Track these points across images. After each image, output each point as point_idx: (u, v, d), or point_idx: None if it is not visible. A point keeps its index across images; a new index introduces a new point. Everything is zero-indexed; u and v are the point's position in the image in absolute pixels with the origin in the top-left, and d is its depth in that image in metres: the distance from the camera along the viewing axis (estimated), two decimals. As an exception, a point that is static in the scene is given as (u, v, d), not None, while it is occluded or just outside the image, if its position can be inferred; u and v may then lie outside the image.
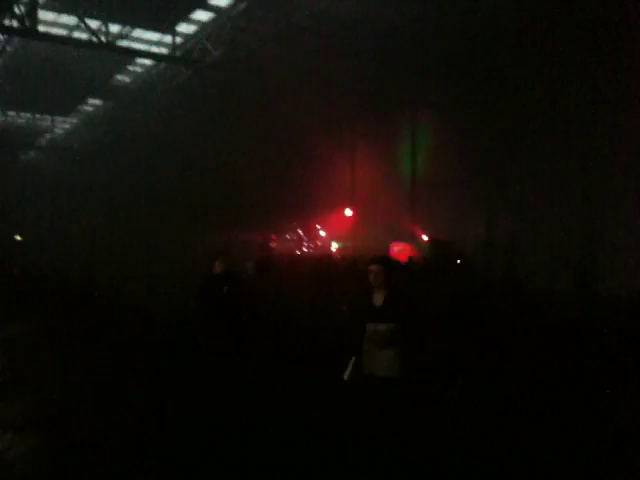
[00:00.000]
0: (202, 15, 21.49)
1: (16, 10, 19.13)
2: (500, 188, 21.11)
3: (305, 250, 26.16)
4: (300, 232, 27.02)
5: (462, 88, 20.66)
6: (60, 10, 20.48)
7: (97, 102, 31.57)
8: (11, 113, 32.93)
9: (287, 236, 27.36)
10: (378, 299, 5.57)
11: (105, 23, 20.30)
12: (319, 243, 26.68)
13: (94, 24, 20.40)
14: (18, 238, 33.04)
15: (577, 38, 17.47)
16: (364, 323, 5.53)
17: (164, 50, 23.61)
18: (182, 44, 22.95)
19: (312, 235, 26.92)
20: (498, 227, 20.95)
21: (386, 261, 5.78)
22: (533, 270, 17.04)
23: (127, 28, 21.47)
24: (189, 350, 8.74)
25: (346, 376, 5.58)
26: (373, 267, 5.56)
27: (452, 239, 20.26)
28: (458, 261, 18.26)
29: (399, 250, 22.38)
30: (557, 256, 18.00)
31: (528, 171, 19.86)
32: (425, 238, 22.76)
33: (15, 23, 19.46)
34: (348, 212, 26.14)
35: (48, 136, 37.89)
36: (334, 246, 25.86)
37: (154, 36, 22.83)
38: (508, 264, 17.81)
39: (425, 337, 5.53)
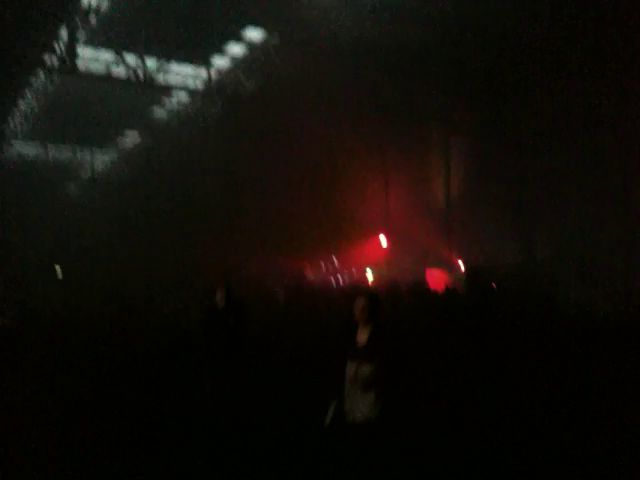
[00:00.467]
0: (237, 49, 21.91)
1: (56, 48, 19.75)
2: (539, 211, 20.85)
3: (339, 279, 26.09)
4: (335, 260, 26.99)
5: (497, 110, 20.61)
6: (98, 45, 21.03)
7: (134, 135, 32.22)
8: (51, 146, 33.74)
9: (321, 264, 27.34)
10: (362, 336, 5.09)
11: (142, 58, 20.83)
12: (354, 271, 26.59)
13: (131, 57, 20.93)
14: (58, 271, 33.50)
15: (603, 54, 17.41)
16: (346, 362, 5.07)
17: (199, 83, 24.10)
18: (217, 77, 23.39)
19: (347, 263, 26.86)
20: (538, 251, 20.64)
21: (372, 295, 5.30)
22: (573, 296, 16.75)
23: (163, 61, 21.89)
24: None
25: (327, 421, 5.09)
26: (358, 301, 5.09)
27: (488, 265, 20.05)
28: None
29: (435, 277, 22.21)
30: (598, 281, 17.69)
31: (571, 189, 19.56)
32: (461, 264, 22.56)
33: (55, 61, 20.10)
34: (383, 239, 26.06)
35: (87, 169, 38.67)
36: (369, 274, 25.77)
37: (190, 70, 23.32)
38: (546, 290, 17.52)
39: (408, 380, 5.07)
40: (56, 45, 19.74)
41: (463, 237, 23.07)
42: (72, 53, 19.70)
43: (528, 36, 17.03)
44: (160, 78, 22.49)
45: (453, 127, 23.92)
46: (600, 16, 16.28)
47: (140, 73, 21.12)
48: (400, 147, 24.83)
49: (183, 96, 26.63)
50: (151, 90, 23.63)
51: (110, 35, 19.79)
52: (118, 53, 20.75)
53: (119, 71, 21.56)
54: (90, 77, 21.32)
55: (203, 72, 23.32)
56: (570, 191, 19.47)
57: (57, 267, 32.33)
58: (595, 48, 17.37)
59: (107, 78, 21.62)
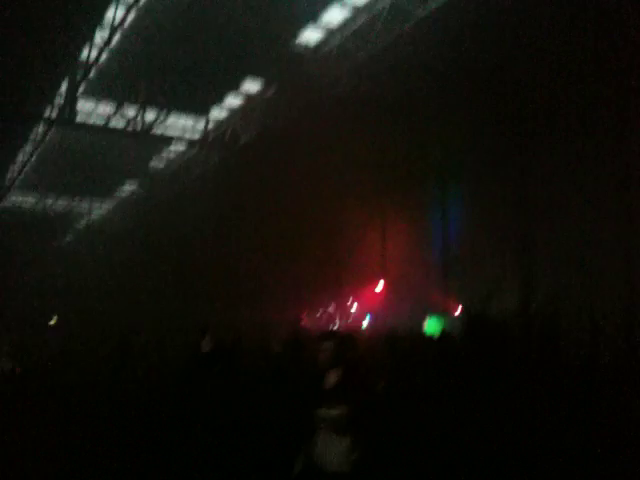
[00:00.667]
0: (233, 101, 22.28)
1: (56, 101, 20.08)
2: (537, 254, 20.86)
3: (337, 327, 25.97)
4: (332, 308, 26.92)
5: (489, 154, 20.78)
6: (98, 98, 21.37)
7: (132, 186, 32.51)
8: (50, 198, 33.98)
9: (318, 313, 27.24)
10: (330, 380, 4.79)
11: (141, 110, 21.16)
12: (350, 320, 26.49)
13: (130, 111, 21.27)
14: (53, 322, 33.42)
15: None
16: (314, 409, 4.74)
17: (196, 135, 24.46)
18: (214, 129, 23.75)
19: (344, 311, 26.78)
20: (539, 294, 20.53)
21: (338, 337, 5.03)
22: (576, 339, 16.67)
23: (162, 114, 22.23)
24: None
25: (296, 470, 4.80)
26: (323, 345, 4.85)
27: (486, 310, 20.00)
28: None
29: (432, 323, 22.14)
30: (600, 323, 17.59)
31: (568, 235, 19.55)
32: (459, 309, 22.51)
33: (55, 113, 20.40)
34: (380, 286, 26.04)
35: (85, 220, 38.91)
36: (366, 321, 25.68)
37: (187, 122, 23.69)
38: (546, 333, 17.40)
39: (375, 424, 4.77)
40: (56, 96, 20.07)
41: (462, 287, 23.04)
42: (72, 104, 19.99)
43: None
44: (158, 129, 22.82)
45: (451, 176, 24.10)
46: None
47: (138, 125, 21.42)
48: (398, 197, 24.99)
49: (181, 147, 26.98)
50: (149, 141, 23.94)
51: (109, 87, 20.13)
52: (117, 105, 21.09)
53: (117, 123, 21.91)
54: (89, 129, 21.59)
55: (201, 124, 23.70)
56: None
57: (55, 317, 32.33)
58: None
59: (105, 130, 21.92)
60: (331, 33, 19.11)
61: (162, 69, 19.01)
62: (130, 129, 21.27)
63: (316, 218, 25.26)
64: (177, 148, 27.18)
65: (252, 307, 25.97)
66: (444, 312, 22.68)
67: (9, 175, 28.86)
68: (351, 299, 26.20)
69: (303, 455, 4.77)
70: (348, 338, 5.24)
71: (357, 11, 18.23)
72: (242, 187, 25.15)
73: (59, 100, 20.09)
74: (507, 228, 21.52)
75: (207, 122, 23.33)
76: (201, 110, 22.66)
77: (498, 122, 19.22)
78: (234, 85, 21.06)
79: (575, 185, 18.72)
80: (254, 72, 20.16)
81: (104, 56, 18.91)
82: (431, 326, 22.12)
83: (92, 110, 22.09)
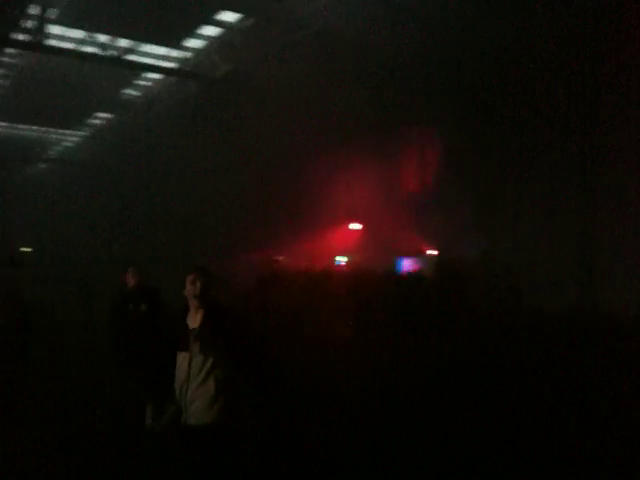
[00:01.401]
0: (210, 30, 21.62)
1: (26, 24, 19.36)
2: (503, 202, 21.06)
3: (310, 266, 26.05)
4: (306, 248, 26.92)
5: (462, 103, 20.64)
6: (69, 24, 20.66)
7: (106, 115, 31.80)
8: (21, 126, 33.20)
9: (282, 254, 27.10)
10: (195, 319, 4.22)
11: (113, 38, 20.52)
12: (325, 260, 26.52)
13: (103, 39, 20.62)
14: (25, 250, 33.17)
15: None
16: (175, 352, 4.19)
17: (172, 64, 23.83)
18: (190, 58, 23.13)
19: (320, 251, 26.81)
20: (501, 243, 20.83)
21: (206, 271, 4.41)
22: (534, 287, 17.01)
23: (136, 43, 21.56)
24: None
25: (150, 425, 4.22)
26: (190, 277, 4.24)
27: (455, 255, 20.22)
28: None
29: (407, 265, 22.37)
30: (557, 272, 17.95)
31: (531, 184, 19.80)
32: (432, 253, 22.69)
33: (25, 37, 19.71)
34: (354, 226, 26.08)
35: (57, 149, 38.19)
36: (339, 261, 25.79)
37: (162, 50, 23.01)
38: (507, 281, 17.72)
39: (255, 369, 4.15)
40: (26, 22, 19.38)
41: (433, 231, 23.20)
42: (42, 31, 19.33)
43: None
44: (132, 58, 22.17)
45: (430, 125, 23.92)
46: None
47: (112, 52, 20.80)
48: (374, 141, 24.76)
49: (154, 77, 26.33)
50: (122, 70, 23.30)
51: (82, 14, 19.42)
52: (89, 32, 20.40)
53: (90, 50, 21.27)
54: (59, 52, 20.92)
55: (176, 53, 23.05)
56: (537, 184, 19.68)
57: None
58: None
59: (77, 56, 21.27)
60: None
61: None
62: (103, 54, 20.68)
63: (290, 157, 25.04)
64: (151, 76, 26.48)
65: (222, 246, 25.93)
66: (418, 255, 22.93)
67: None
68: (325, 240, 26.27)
69: (156, 408, 4.22)
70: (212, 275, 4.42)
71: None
72: (215, 121, 24.72)
73: (29, 24, 19.40)
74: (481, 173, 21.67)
75: (183, 51, 22.69)
76: (177, 39, 21.96)
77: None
78: (210, 15, 20.37)
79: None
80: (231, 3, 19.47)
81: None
82: (402, 266, 22.43)
83: (63, 34, 21.35)
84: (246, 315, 4.57)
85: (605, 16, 16.36)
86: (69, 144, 37.21)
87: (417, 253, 23.10)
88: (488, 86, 19.37)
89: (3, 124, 32.64)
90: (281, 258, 26.13)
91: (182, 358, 4.14)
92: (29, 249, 33.49)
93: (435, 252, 22.71)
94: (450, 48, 17.96)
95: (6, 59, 23.53)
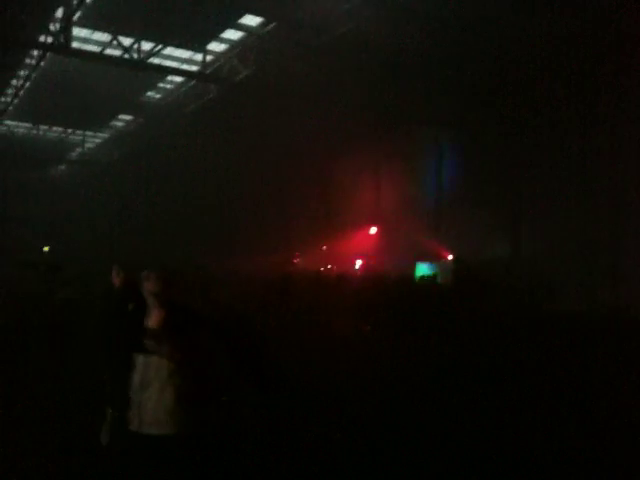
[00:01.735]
0: (232, 34, 21.81)
1: (51, 27, 19.61)
2: (526, 206, 21.03)
3: (328, 269, 26.16)
4: (324, 250, 27.01)
5: (484, 107, 20.67)
6: (94, 27, 20.93)
7: (127, 118, 32.11)
8: (43, 127, 33.58)
9: (300, 255, 27.19)
10: (154, 320, 3.87)
11: (137, 41, 20.74)
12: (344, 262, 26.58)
13: (127, 41, 20.85)
14: (45, 249, 33.52)
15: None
16: (132, 354, 3.83)
17: (194, 68, 24.04)
18: (212, 62, 23.32)
19: (338, 253, 26.90)
20: (526, 247, 20.78)
21: (167, 269, 4.03)
22: (556, 290, 16.98)
23: (159, 46, 21.77)
24: None
25: (104, 437, 3.84)
26: (149, 274, 3.89)
27: (476, 258, 20.20)
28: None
29: (424, 269, 22.41)
30: (579, 276, 17.91)
31: (553, 188, 19.78)
32: (450, 258, 22.68)
33: (49, 39, 19.95)
34: (372, 230, 26.16)
35: (79, 150, 38.56)
36: (358, 264, 25.85)
37: (185, 54, 23.25)
38: (529, 284, 17.71)
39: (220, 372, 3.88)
40: (52, 22, 19.61)
41: (453, 234, 23.19)
42: (68, 33, 19.55)
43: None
44: (155, 61, 22.37)
45: (447, 128, 23.95)
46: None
47: (135, 55, 21.01)
48: (395, 144, 24.82)
49: (177, 79, 26.55)
50: (145, 73, 23.52)
51: (106, 17, 19.65)
52: (113, 35, 20.63)
53: (114, 52, 21.52)
54: (84, 55, 21.16)
55: (198, 56, 23.27)
56: (560, 190, 19.65)
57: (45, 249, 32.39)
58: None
59: (101, 57, 21.50)
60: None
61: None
62: (127, 57, 20.89)
63: (311, 161, 25.15)
64: (173, 79, 26.73)
65: (242, 247, 26.06)
66: (436, 259, 22.93)
67: (3, 100, 28.47)
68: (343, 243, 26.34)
69: (113, 417, 3.85)
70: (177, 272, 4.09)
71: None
72: (237, 124, 24.88)
73: (55, 26, 19.64)
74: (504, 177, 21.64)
75: (204, 55, 22.88)
76: (199, 42, 22.17)
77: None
78: (232, 19, 20.54)
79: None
80: (253, 7, 19.61)
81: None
82: (421, 271, 22.43)
83: (88, 37, 21.65)
84: (213, 316, 4.08)
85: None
86: (91, 145, 37.57)
87: (433, 257, 23.11)
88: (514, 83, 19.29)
89: (27, 125, 33.00)
90: (298, 260, 26.28)
91: (138, 361, 3.80)
92: (48, 248, 33.83)
93: (451, 256, 22.71)
94: (481, 49, 17.99)
95: (30, 61, 23.83)
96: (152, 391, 3.71)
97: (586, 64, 18.21)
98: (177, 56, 23.35)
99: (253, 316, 13.76)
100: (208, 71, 23.37)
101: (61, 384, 7.58)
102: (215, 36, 21.79)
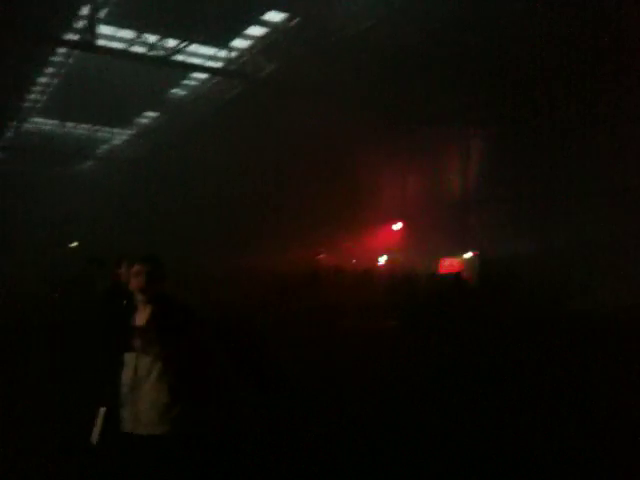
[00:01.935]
0: (257, 30, 21.81)
1: (76, 24, 19.79)
2: (554, 203, 20.75)
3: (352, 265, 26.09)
4: (349, 246, 26.94)
5: (511, 104, 20.44)
6: (119, 25, 21.06)
7: (153, 114, 32.28)
8: (70, 124, 33.87)
9: (324, 252, 27.14)
10: (142, 317, 3.74)
11: (162, 38, 20.84)
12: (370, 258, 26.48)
13: (152, 39, 20.96)
14: (73, 245, 33.86)
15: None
16: (121, 353, 3.72)
17: (219, 64, 24.09)
18: (236, 59, 23.35)
19: (362, 249, 26.81)
20: (554, 243, 20.50)
21: (155, 261, 3.85)
22: (582, 288, 16.74)
23: (184, 43, 21.85)
24: None
25: (94, 437, 3.68)
26: (136, 268, 3.75)
27: (502, 255, 20.00)
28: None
29: (449, 265, 22.23)
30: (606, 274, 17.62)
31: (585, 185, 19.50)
32: (475, 254, 22.50)
33: (75, 37, 20.14)
34: (397, 226, 26.02)
35: (104, 147, 38.87)
36: (382, 260, 25.76)
37: (209, 51, 23.30)
38: (554, 282, 17.46)
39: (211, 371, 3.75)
40: (76, 22, 19.80)
41: (479, 231, 23.02)
42: (93, 31, 19.71)
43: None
44: (179, 58, 22.46)
45: (471, 125, 23.78)
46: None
47: (160, 52, 21.12)
48: (419, 142, 24.66)
49: (201, 76, 26.63)
50: (170, 70, 23.64)
51: (132, 14, 19.77)
52: (138, 32, 20.77)
53: (139, 50, 21.66)
54: (110, 54, 21.31)
55: (222, 53, 23.30)
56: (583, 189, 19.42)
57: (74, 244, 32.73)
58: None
59: (127, 56, 21.65)
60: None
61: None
62: (152, 55, 21.02)
63: (335, 156, 25.07)
64: (198, 76, 26.82)
65: (266, 244, 26.06)
66: (462, 255, 22.76)
67: (29, 98, 28.78)
68: (367, 239, 26.25)
69: (104, 417, 3.71)
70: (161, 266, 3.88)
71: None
72: (262, 120, 24.87)
73: (81, 24, 19.81)
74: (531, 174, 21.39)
75: (229, 51, 22.93)
76: (223, 39, 22.21)
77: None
78: (256, 15, 20.54)
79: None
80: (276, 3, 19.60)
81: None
82: (446, 267, 22.29)
83: (113, 35, 21.80)
84: (206, 312, 3.98)
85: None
86: (117, 142, 37.84)
87: (459, 253, 22.95)
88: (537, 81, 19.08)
89: (54, 122, 33.30)
90: (323, 256, 26.25)
91: (128, 360, 3.68)
92: (75, 244, 34.18)
93: (476, 253, 22.52)
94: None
95: (57, 58, 24.05)
96: (144, 391, 3.60)
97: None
98: (202, 53, 23.42)
99: (261, 315, 13.76)
100: (232, 68, 23.41)
101: (61, 384, 7.61)
102: (239, 32, 21.81)
